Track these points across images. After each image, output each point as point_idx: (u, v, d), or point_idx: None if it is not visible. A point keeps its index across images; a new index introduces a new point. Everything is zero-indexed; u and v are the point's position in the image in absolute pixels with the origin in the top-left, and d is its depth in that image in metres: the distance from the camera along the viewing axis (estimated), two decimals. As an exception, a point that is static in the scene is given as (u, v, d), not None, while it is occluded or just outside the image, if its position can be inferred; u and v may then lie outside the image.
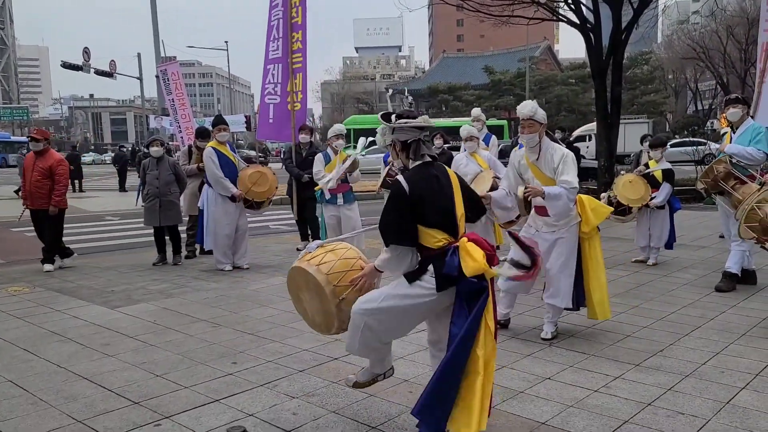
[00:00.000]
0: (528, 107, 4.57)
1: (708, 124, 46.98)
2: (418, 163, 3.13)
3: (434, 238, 3.00)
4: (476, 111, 8.45)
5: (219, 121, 7.98)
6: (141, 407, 3.64)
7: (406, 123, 3.14)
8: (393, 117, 3.20)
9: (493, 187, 5.93)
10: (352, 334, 3.17)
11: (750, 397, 3.66)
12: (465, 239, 3.04)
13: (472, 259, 2.93)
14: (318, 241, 3.44)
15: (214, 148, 7.66)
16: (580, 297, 4.86)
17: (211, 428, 3.35)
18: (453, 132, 14.96)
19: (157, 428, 3.36)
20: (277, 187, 8.00)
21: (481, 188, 6.18)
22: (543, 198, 4.52)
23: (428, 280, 3.00)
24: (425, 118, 3.22)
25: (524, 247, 3.21)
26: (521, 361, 4.34)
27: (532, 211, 4.90)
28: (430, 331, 3.33)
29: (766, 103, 7.73)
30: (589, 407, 3.55)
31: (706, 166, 6.15)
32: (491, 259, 3.02)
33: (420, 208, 2.98)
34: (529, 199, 4.71)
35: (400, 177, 3.06)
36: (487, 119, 9.28)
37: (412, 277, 3.05)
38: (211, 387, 3.94)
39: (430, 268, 3.00)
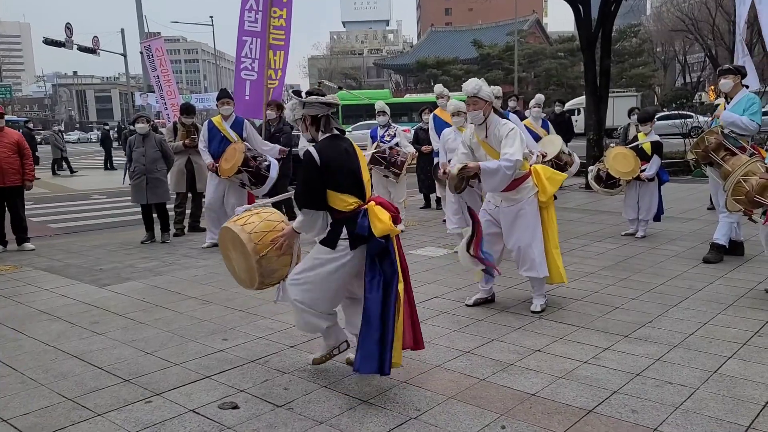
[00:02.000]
0: (471, 84, 4.63)
1: (696, 96, 47.01)
2: (327, 135, 3.48)
3: (345, 202, 3.36)
4: (438, 87, 8.44)
5: (221, 95, 7.83)
6: (131, 384, 3.63)
7: (316, 100, 3.46)
8: (303, 94, 3.51)
9: None
10: (294, 312, 3.62)
11: (737, 366, 3.70)
12: (373, 203, 3.42)
13: (380, 221, 3.32)
14: (246, 206, 3.75)
15: (210, 121, 7.72)
16: None
17: (203, 404, 3.35)
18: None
19: (148, 405, 3.35)
20: (245, 166, 7.28)
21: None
22: (479, 173, 4.60)
23: (343, 242, 3.39)
24: (333, 96, 3.56)
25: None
26: (511, 334, 4.36)
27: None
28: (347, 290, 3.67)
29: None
30: (578, 378, 3.58)
31: (697, 137, 6.14)
32: (395, 220, 3.42)
33: (330, 175, 3.33)
34: (464, 176, 4.85)
35: (310, 147, 3.39)
36: None
37: (330, 242, 3.41)
38: (201, 364, 3.93)
39: (344, 230, 3.37)
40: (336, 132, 3.49)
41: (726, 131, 5.77)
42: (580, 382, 3.53)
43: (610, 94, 13.91)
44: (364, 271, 3.38)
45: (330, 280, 3.45)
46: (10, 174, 7.65)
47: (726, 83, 5.98)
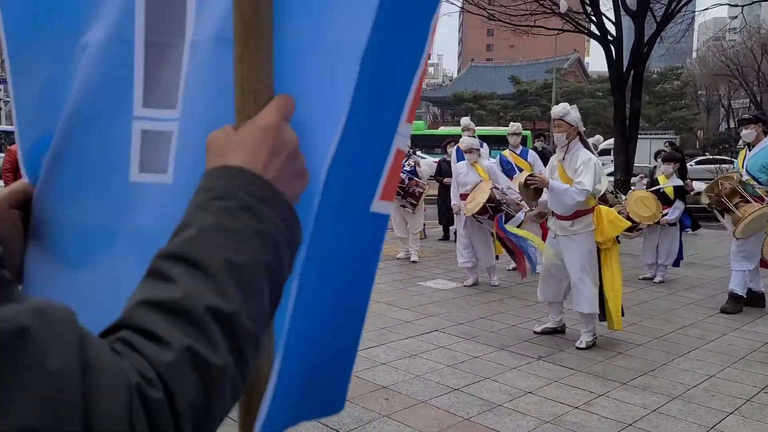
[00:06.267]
0: (560, 108, 4.80)
1: (741, 142, 46.04)
2: None
3: None
4: (465, 120, 8.51)
5: None
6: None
7: None
8: None
9: (491, 198, 5.89)
10: None
11: (736, 423, 3.53)
12: None
13: None
14: None
15: None
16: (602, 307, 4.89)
17: None
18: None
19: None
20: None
21: (478, 198, 6.14)
22: (547, 188, 4.63)
23: None
24: None
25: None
26: (505, 374, 4.25)
27: (554, 216, 4.94)
28: None
29: None
30: (565, 424, 3.45)
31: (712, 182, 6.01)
32: None
33: None
34: (531, 186, 4.86)
35: None
36: None
37: None
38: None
39: None
40: None
41: (744, 178, 5.61)
42: (566, 428, 3.41)
43: (649, 136, 13.73)
44: None
45: None
46: None
47: (748, 134, 5.83)
